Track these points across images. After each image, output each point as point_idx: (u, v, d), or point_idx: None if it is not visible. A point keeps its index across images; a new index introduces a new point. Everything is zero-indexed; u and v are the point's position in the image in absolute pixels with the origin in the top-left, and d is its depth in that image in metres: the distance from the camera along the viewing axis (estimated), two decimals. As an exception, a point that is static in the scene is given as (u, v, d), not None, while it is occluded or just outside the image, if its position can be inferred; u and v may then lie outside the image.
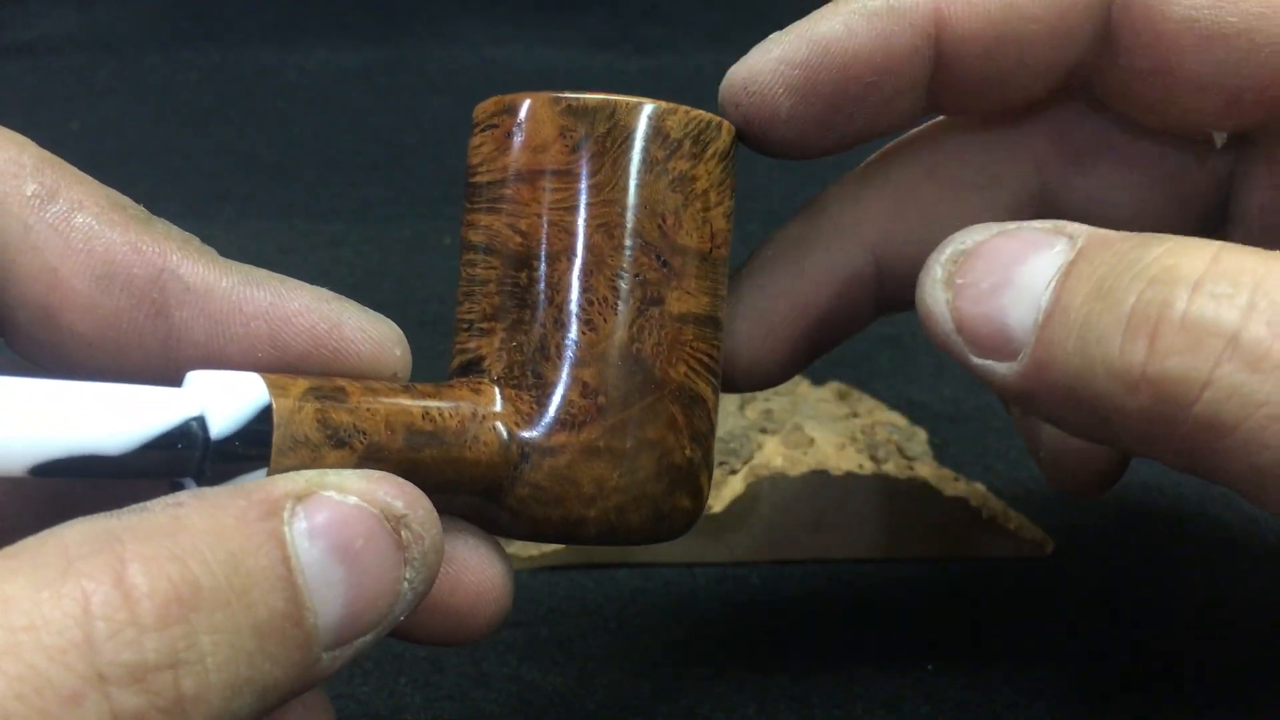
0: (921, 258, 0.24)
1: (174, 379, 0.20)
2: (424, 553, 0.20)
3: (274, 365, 0.21)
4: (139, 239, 0.21)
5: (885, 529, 0.36)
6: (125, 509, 0.18)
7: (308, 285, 0.22)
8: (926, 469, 0.36)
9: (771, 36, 0.25)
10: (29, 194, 0.21)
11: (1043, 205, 0.28)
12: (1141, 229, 0.24)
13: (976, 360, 0.22)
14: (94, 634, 0.16)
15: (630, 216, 0.23)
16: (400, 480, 0.20)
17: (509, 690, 0.31)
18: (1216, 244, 0.20)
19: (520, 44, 0.73)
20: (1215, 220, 0.28)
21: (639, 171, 0.23)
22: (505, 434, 0.22)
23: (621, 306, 0.23)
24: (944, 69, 0.25)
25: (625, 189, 0.23)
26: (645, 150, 0.23)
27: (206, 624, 0.17)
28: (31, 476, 0.18)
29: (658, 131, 0.23)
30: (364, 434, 0.21)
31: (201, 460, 0.19)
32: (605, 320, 0.23)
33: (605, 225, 0.23)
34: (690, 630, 0.34)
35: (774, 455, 0.36)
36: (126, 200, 0.22)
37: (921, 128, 0.29)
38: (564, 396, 0.23)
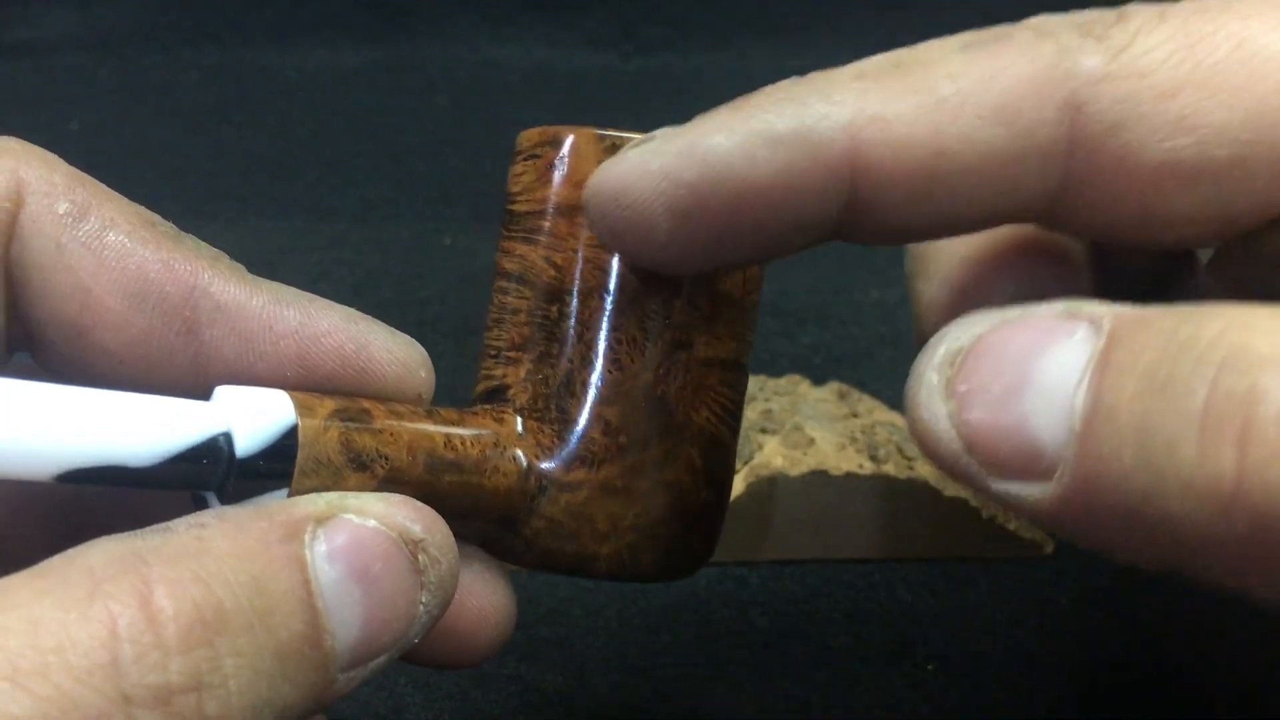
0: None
1: (202, 396, 0.21)
2: (440, 577, 0.20)
3: (301, 384, 0.22)
4: (170, 256, 0.22)
5: (885, 529, 0.36)
6: (149, 529, 0.18)
7: (336, 305, 0.22)
8: (926, 469, 0.36)
9: (654, 135, 0.21)
10: (61, 213, 0.21)
11: None
12: None
13: (998, 485, 0.18)
14: (120, 656, 0.16)
15: None
16: (419, 504, 0.20)
17: (509, 690, 0.31)
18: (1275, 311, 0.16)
19: (520, 44, 0.73)
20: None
21: None
22: (525, 464, 0.23)
23: (650, 348, 0.23)
24: (858, 211, 0.21)
25: None
26: None
27: (230, 647, 0.17)
28: (57, 483, 0.18)
29: None
30: (386, 459, 0.21)
31: (225, 476, 0.19)
32: (632, 360, 0.23)
33: (639, 265, 0.23)
34: (690, 630, 0.34)
35: (774, 455, 0.36)
36: (156, 217, 0.22)
37: None
38: (585, 433, 0.23)
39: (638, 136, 0.22)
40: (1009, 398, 0.17)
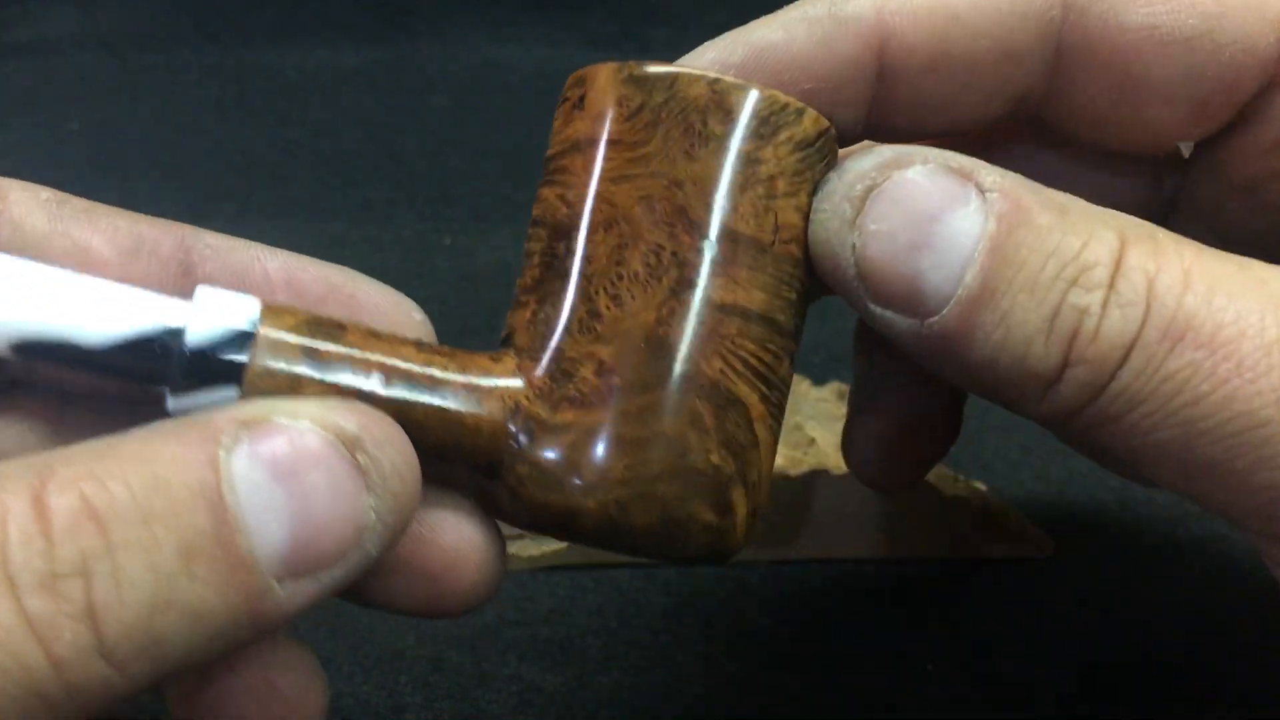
0: None
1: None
2: (385, 478, 0.19)
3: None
4: (156, 221, 0.23)
5: (885, 529, 0.36)
6: (70, 446, 0.18)
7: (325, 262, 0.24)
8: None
9: (707, 43, 0.24)
10: (45, 198, 0.22)
11: None
12: None
13: (875, 308, 0.21)
14: (6, 543, 0.16)
15: (676, 191, 0.21)
16: (361, 406, 0.19)
17: (509, 690, 0.31)
18: (1120, 234, 0.21)
19: (520, 44, 0.73)
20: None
21: (692, 145, 0.21)
22: (513, 405, 0.21)
23: (653, 285, 0.21)
24: (887, 84, 0.24)
25: (674, 161, 0.21)
26: (702, 123, 0.22)
27: (120, 539, 0.17)
28: (14, 356, 0.19)
29: (719, 106, 0.22)
30: (351, 372, 0.20)
31: (176, 368, 0.19)
32: (633, 297, 0.21)
33: (647, 197, 0.21)
34: (690, 630, 0.34)
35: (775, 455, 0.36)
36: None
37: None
38: (577, 372, 0.21)
39: (658, 66, 0.22)
40: (911, 252, 0.21)
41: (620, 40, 0.71)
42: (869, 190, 0.21)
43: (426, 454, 0.20)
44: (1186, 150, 0.25)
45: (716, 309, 0.21)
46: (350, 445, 0.19)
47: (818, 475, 0.35)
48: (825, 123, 0.23)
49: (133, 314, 0.19)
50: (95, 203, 0.23)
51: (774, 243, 0.22)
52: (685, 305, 0.21)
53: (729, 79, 0.22)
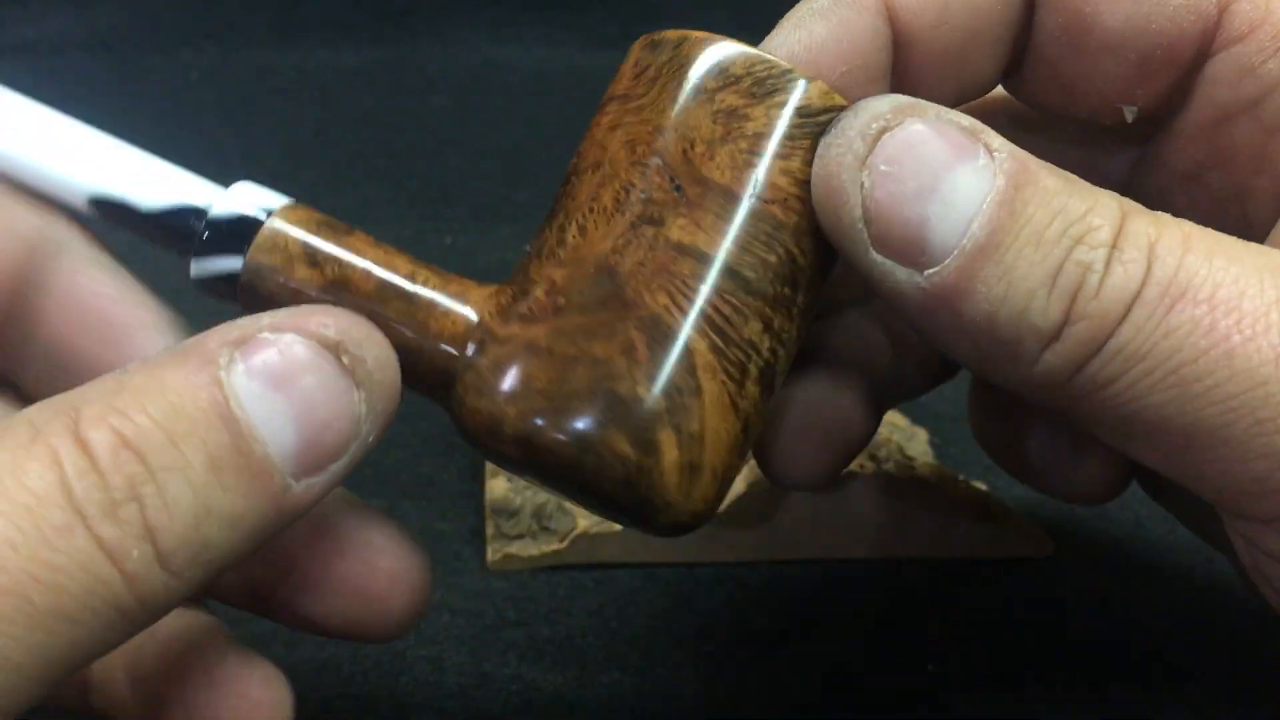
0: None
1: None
2: (369, 372, 0.21)
3: None
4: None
5: (885, 529, 0.36)
6: (88, 383, 0.20)
7: None
8: (926, 469, 0.36)
9: None
10: None
11: None
12: None
13: (875, 255, 0.21)
14: (66, 477, 0.18)
15: (658, 136, 0.22)
16: (337, 310, 0.21)
17: (509, 690, 0.31)
18: (1121, 204, 0.21)
19: (520, 44, 0.73)
20: None
21: (682, 96, 0.22)
22: (475, 321, 0.23)
23: (618, 219, 0.22)
24: (902, 49, 0.25)
25: (664, 110, 0.22)
26: (698, 79, 0.22)
27: (157, 463, 0.19)
28: (90, 210, 0.24)
29: (718, 64, 0.22)
30: (339, 264, 0.23)
31: (200, 234, 0.23)
32: (596, 228, 0.22)
33: (632, 141, 0.22)
34: (690, 630, 0.34)
35: (774, 455, 0.36)
36: None
37: None
38: (531, 292, 0.22)
39: (680, 31, 0.23)
40: (919, 197, 0.21)
41: (620, 40, 0.71)
42: (883, 131, 0.21)
43: (398, 350, 0.22)
44: (1130, 115, 0.25)
45: (673, 247, 0.22)
46: (333, 348, 0.21)
47: (818, 475, 0.35)
48: (836, 99, 0.23)
49: (178, 190, 0.24)
50: None
51: (752, 197, 0.22)
52: (641, 238, 0.22)
53: (735, 43, 0.23)
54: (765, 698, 0.31)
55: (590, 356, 0.21)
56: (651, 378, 0.21)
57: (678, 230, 0.22)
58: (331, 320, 0.21)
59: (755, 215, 0.22)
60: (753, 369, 0.22)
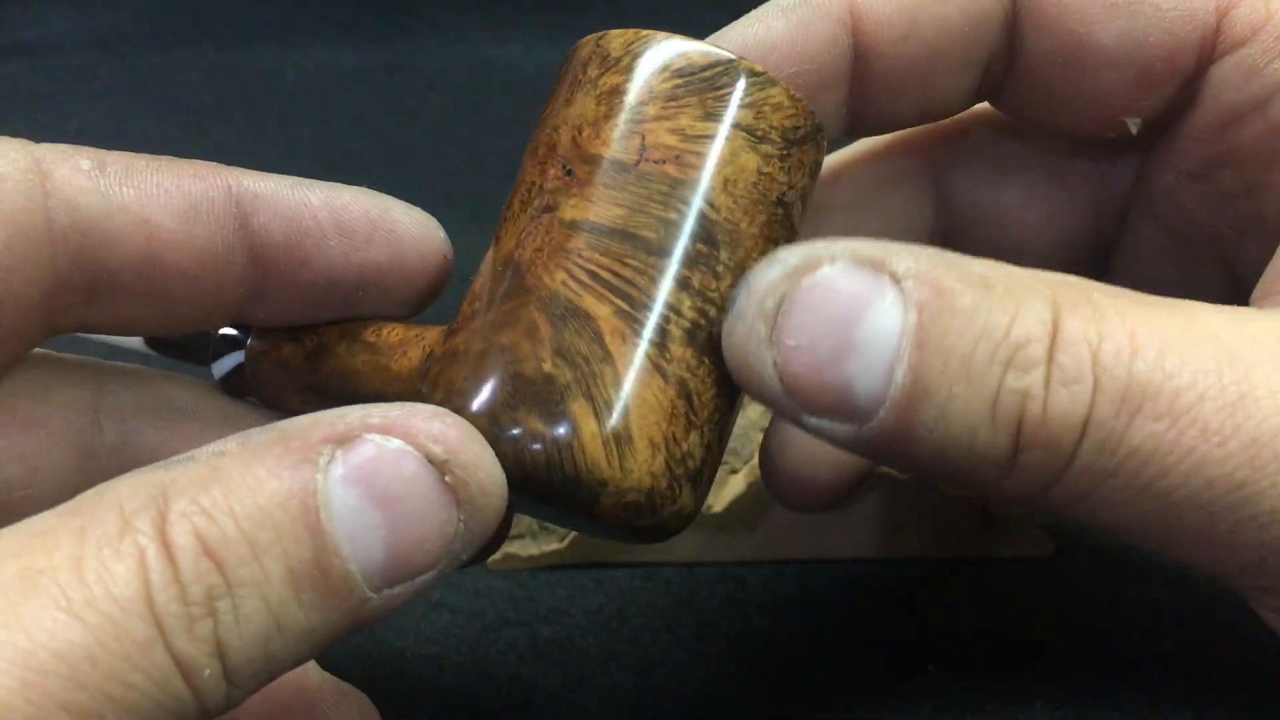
0: None
1: (263, 284, 0.24)
2: (472, 496, 0.20)
3: (345, 253, 0.24)
4: (191, 169, 0.24)
5: (885, 529, 0.36)
6: (175, 459, 0.19)
7: (345, 185, 0.25)
8: (926, 469, 0.36)
9: None
10: (86, 168, 0.23)
11: (950, 216, 0.29)
12: (1050, 241, 0.26)
13: (810, 420, 0.21)
14: (151, 585, 0.17)
15: (554, 134, 0.23)
16: (450, 419, 0.20)
17: (509, 690, 0.31)
18: (1053, 302, 0.20)
19: (520, 44, 0.73)
20: (1115, 225, 0.28)
21: (569, 90, 0.23)
22: (428, 351, 0.23)
23: (520, 217, 0.23)
24: (864, 61, 0.24)
25: (555, 110, 0.23)
26: (583, 71, 0.23)
27: (235, 577, 0.18)
28: (143, 346, 0.30)
29: (598, 52, 0.23)
30: (316, 334, 0.25)
31: (214, 347, 0.27)
32: (506, 234, 0.23)
33: (535, 146, 0.23)
34: (690, 630, 0.34)
35: (774, 455, 0.36)
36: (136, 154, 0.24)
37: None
38: (460, 310, 0.23)
39: (637, 30, 0.23)
40: (835, 360, 0.20)
41: (620, 40, 0.71)
42: (780, 302, 0.20)
43: (362, 396, 0.23)
44: (1134, 127, 0.25)
45: (566, 226, 0.22)
46: (440, 466, 0.20)
47: (818, 475, 0.35)
48: (715, 54, 0.23)
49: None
50: (129, 155, 0.24)
51: (639, 162, 0.22)
52: (539, 226, 0.22)
53: (615, 31, 0.23)
54: (765, 698, 0.31)
55: (498, 345, 0.22)
56: (558, 353, 0.21)
57: (569, 210, 0.22)
58: (441, 431, 0.20)
59: (646, 178, 0.22)
60: (675, 330, 0.21)
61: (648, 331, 0.21)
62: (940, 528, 0.36)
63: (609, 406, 0.21)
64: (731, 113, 0.22)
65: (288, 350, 0.25)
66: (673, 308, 0.22)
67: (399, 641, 0.33)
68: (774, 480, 0.27)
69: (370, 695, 0.31)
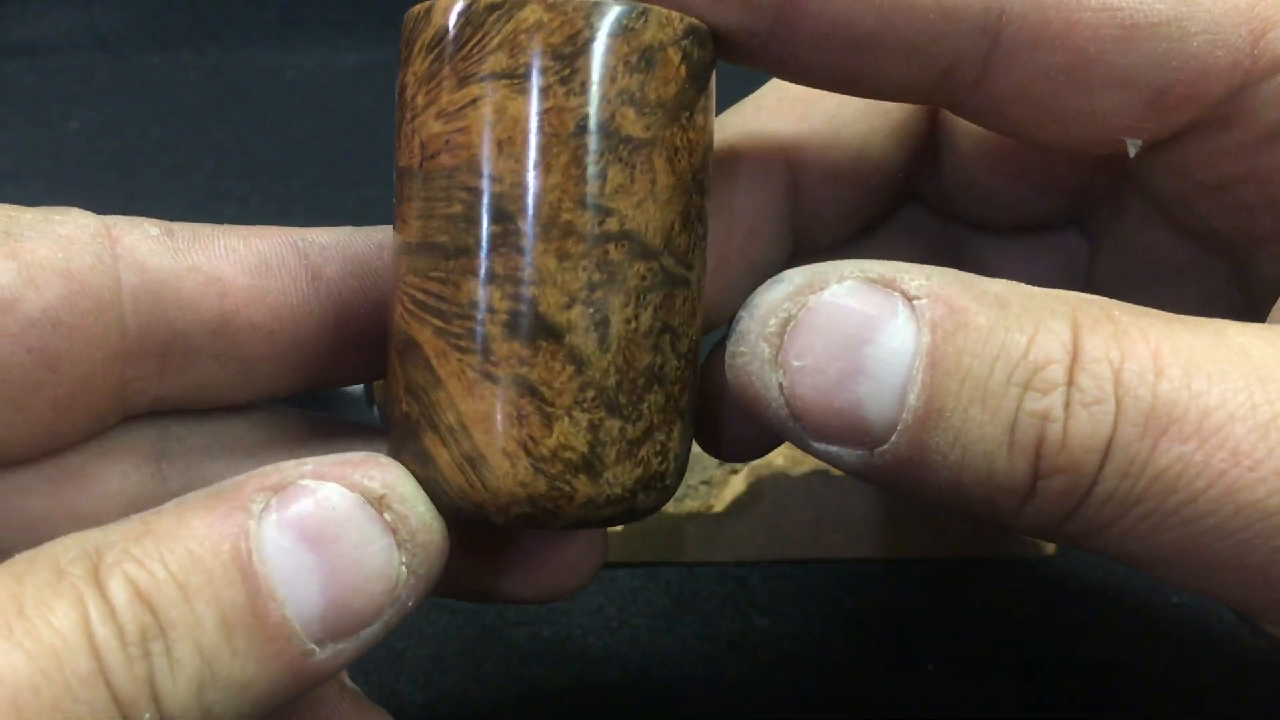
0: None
1: (343, 337, 0.23)
2: (413, 532, 0.19)
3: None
4: (255, 230, 0.23)
5: (885, 529, 0.36)
6: (117, 522, 0.19)
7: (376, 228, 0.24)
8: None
9: None
10: (155, 234, 0.22)
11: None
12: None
13: (819, 446, 0.20)
14: (90, 622, 0.17)
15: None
16: (382, 460, 0.20)
17: (509, 690, 0.31)
18: (1073, 321, 0.19)
19: (520, 44, 0.73)
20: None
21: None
22: None
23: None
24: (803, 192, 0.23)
25: None
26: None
27: (167, 619, 0.17)
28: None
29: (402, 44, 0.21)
30: None
31: None
32: None
33: None
34: (690, 630, 0.34)
35: (775, 455, 0.36)
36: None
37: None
38: None
39: None
40: (845, 382, 0.19)
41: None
42: (785, 323, 0.19)
43: None
44: (1134, 149, 0.23)
45: (397, 255, 0.21)
46: (376, 503, 0.19)
47: (818, 475, 0.35)
48: (460, 6, 0.20)
49: None
50: (194, 225, 0.23)
51: (422, 163, 0.20)
52: (396, 262, 0.21)
53: (409, 12, 0.21)
54: (765, 697, 0.31)
55: (391, 400, 0.21)
56: (408, 390, 0.21)
57: (397, 237, 0.21)
58: (378, 472, 0.19)
59: (429, 177, 0.20)
60: (493, 329, 0.20)
61: (463, 342, 0.20)
62: (940, 528, 0.36)
63: (452, 432, 0.20)
64: (485, 64, 0.19)
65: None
66: (483, 306, 0.20)
67: (399, 642, 0.33)
68: (702, 436, 0.25)
69: (370, 695, 0.31)
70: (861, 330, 0.19)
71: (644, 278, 0.20)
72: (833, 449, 0.19)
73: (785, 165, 0.24)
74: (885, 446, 0.19)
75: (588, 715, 0.31)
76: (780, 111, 0.25)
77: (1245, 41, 0.22)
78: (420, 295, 0.20)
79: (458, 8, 0.20)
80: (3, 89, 0.66)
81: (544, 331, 0.20)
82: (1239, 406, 0.18)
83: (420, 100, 0.20)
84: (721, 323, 0.25)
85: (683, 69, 0.20)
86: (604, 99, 0.19)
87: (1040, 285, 0.25)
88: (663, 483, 0.21)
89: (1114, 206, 0.27)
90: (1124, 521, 0.19)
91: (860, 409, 0.19)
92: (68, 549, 0.18)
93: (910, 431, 0.19)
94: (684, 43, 0.20)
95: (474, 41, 0.20)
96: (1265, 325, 0.20)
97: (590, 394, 0.20)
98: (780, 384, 0.19)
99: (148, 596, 0.17)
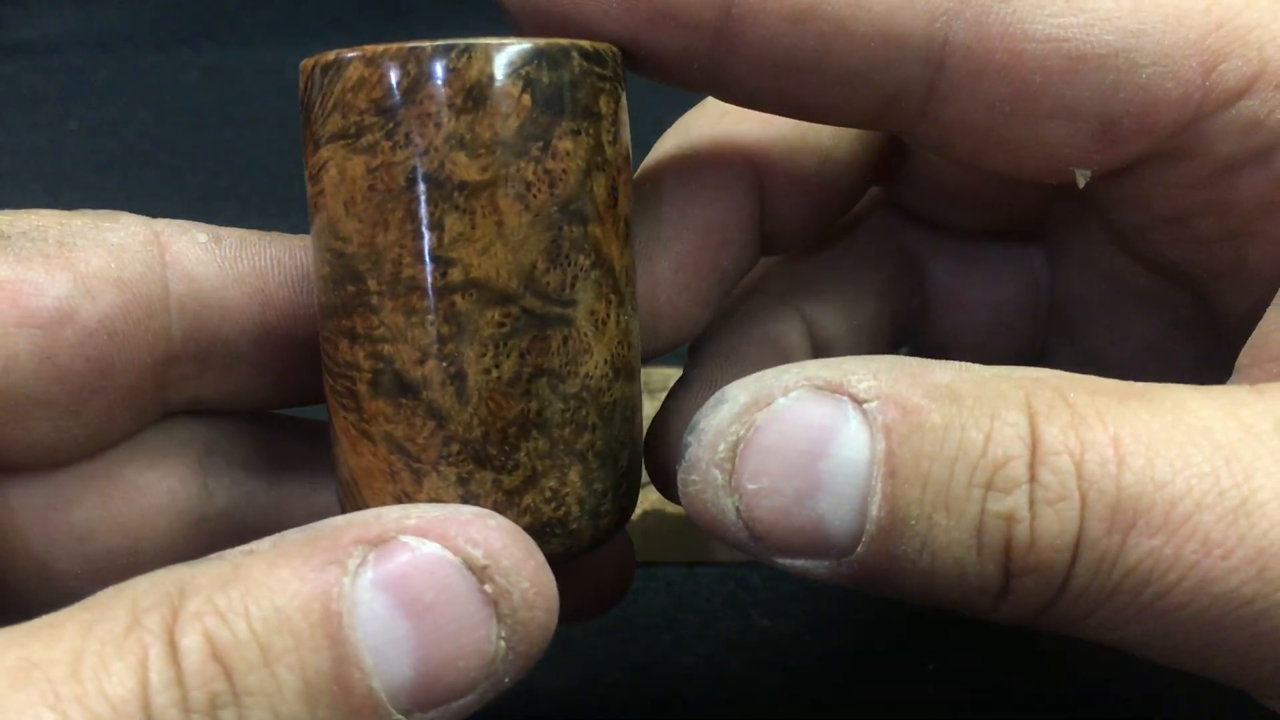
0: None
1: None
2: (514, 607, 0.18)
3: None
4: (301, 241, 0.23)
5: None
6: (205, 558, 0.18)
7: None
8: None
9: None
10: (204, 241, 0.23)
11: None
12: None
13: (783, 561, 0.19)
14: (149, 687, 0.16)
15: None
16: (495, 520, 0.18)
17: (509, 690, 0.31)
18: (1028, 408, 0.18)
19: (520, 44, 0.73)
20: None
21: None
22: None
23: None
24: (736, 22, 0.20)
25: None
26: None
27: (243, 685, 0.16)
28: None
29: None
30: None
31: None
32: None
33: None
34: (691, 630, 0.34)
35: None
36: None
37: None
38: None
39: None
40: (804, 500, 0.18)
41: (620, 40, 0.71)
42: (735, 445, 0.19)
43: None
44: (1082, 180, 0.22)
45: None
46: (479, 573, 0.18)
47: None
48: (306, 73, 0.20)
49: None
50: (241, 232, 0.23)
51: (311, 225, 0.20)
52: None
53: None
54: (765, 698, 0.31)
55: None
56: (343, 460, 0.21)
57: None
58: (482, 534, 0.18)
59: (314, 239, 0.20)
60: (361, 388, 0.20)
61: (346, 400, 0.20)
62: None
63: (346, 486, 0.21)
64: (327, 127, 0.19)
65: None
66: (351, 365, 0.20)
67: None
68: (656, 474, 0.25)
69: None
70: (814, 445, 0.18)
71: (500, 324, 0.19)
72: (799, 563, 0.19)
73: (752, 170, 0.24)
74: (853, 556, 0.19)
75: (588, 715, 0.31)
76: (745, 114, 0.24)
77: (1196, 74, 0.21)
78: (321, 354, 0.21)
79: (307, 71, 0.20)
80: (3, 89, 0.66)
81: (401, 389, 0.19)
82: (1205, 494, 0.18)
83: (324, 155, 0.20)
84: (693, 336, 0.25)
85: (526, 98, 0.19)
86: (429, 148, 0.19)
87: (1003, 300, 0.25)
88: (565, 528, 0.20)
89: (1076, 227, 0.27)
90: (1100, 614, 0.18)
91: (822, 525, 0.18)
92: (148, 591, 0.17)
93: (876, 542, 0.18)
94: (525, 70, 0.20)
95: (318, 105, 0.20)
96: (1225, 389, 0.19)
97: (454, 448, 0.20)
98: (738, 508, 0.19)
99: (225, 658, 0.16)
